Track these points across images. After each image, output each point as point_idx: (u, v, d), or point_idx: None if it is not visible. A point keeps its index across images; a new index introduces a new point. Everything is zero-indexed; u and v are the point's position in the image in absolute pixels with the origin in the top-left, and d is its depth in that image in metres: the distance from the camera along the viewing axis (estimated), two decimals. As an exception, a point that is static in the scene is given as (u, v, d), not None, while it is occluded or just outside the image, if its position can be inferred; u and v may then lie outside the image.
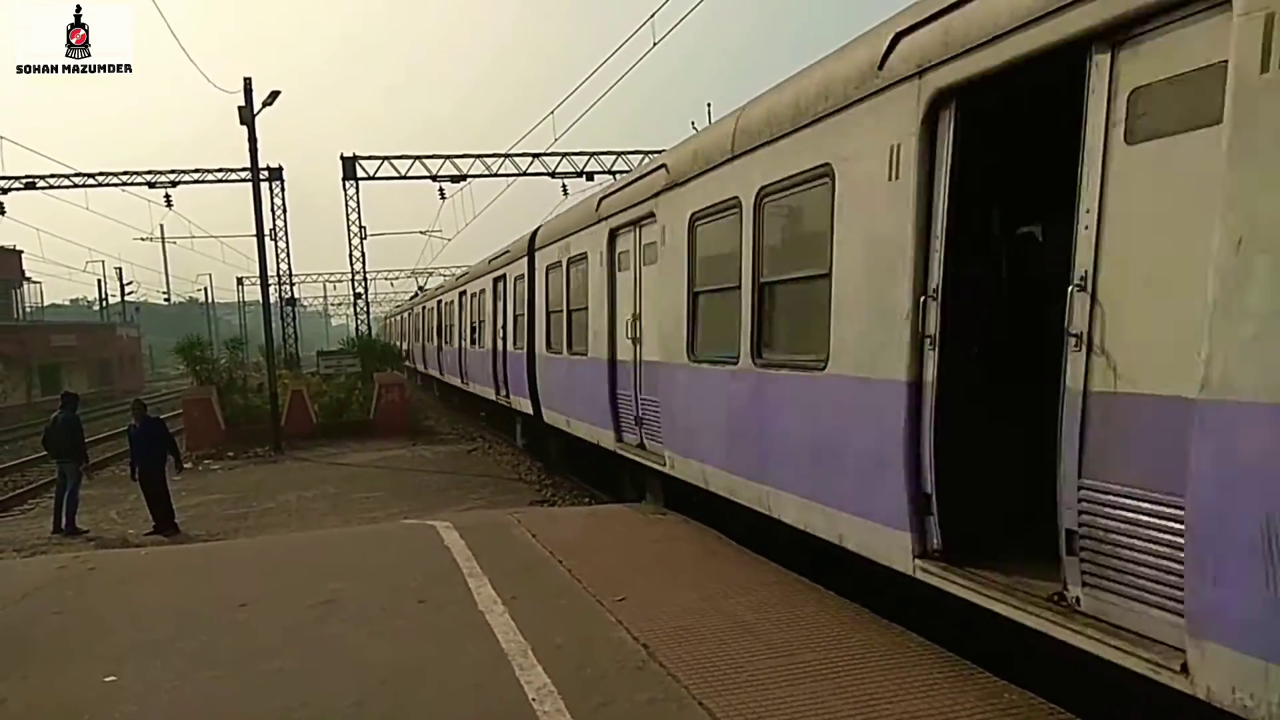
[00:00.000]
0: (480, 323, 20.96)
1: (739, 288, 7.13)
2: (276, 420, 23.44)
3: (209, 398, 24.26)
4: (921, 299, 4.92)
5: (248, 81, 22.53)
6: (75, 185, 36.12)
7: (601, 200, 11.26)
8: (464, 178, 36.64)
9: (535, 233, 14.92)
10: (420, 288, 60.13)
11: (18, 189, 35.13)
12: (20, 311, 55.54)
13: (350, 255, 39.41)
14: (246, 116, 22.60)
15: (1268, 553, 3.07)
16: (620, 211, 10.27)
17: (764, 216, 6.83)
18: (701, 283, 8.10)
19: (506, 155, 36.17)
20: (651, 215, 9.18)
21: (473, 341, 22.49)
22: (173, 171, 36.77)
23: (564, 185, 35.92)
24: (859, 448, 5.56)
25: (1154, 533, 3.64)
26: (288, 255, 39.92)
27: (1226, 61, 3.25)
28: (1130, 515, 3.74)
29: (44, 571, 8.26)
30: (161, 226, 65.70)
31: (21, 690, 5.17)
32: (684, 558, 7.32)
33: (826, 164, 5.84)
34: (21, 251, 54.40)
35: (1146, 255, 3.66)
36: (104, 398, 50.04)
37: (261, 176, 24.85)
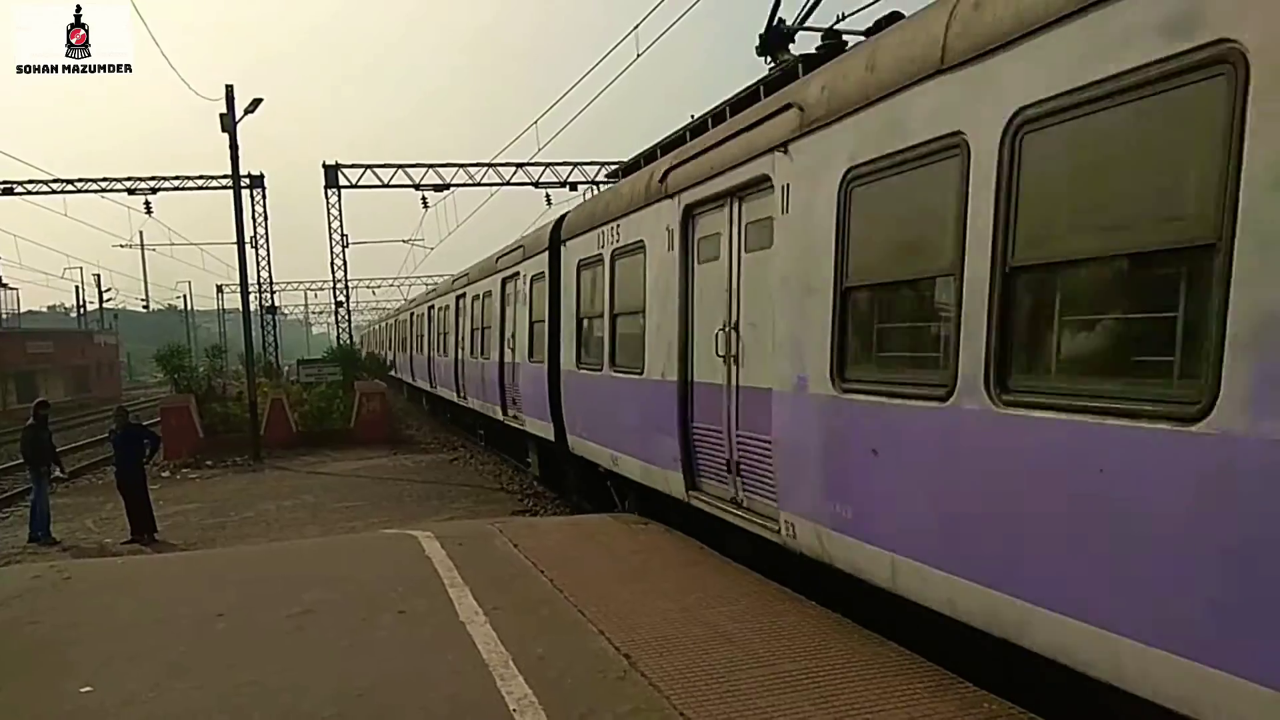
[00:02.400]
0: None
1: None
2: (256, 429, 23.25)
3: (187, 405, 24.08)
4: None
5: (229, 89, 22.40)
6: (54, 191, 35.78)
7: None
8: (447, 186, 36.59)
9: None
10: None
11: (-5, 194, 34.82)
12: (-4, 318, 54.99)
13: (332, 263, 39.24)
14: (228, 124, 22.49)
15: None
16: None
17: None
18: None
19: (490, 164, 36.16)
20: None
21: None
22: (153, 178, 36.46)
23: (548, 195, 36.00)
24: None
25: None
26: (269, 263, 39.68)
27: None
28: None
29: (19, 581, 8.15)
30: (141, 233, 64.98)
31: (-5, 702, 5.12)
32: (665, 567, 7.32)
33: None
34: (-2, 258, 53.96)
35: None
36: (81, 405, 49.46)
37: (243, 184, 24.72)
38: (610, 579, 6.99)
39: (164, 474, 20.37)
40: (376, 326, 58.43)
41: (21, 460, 15.96)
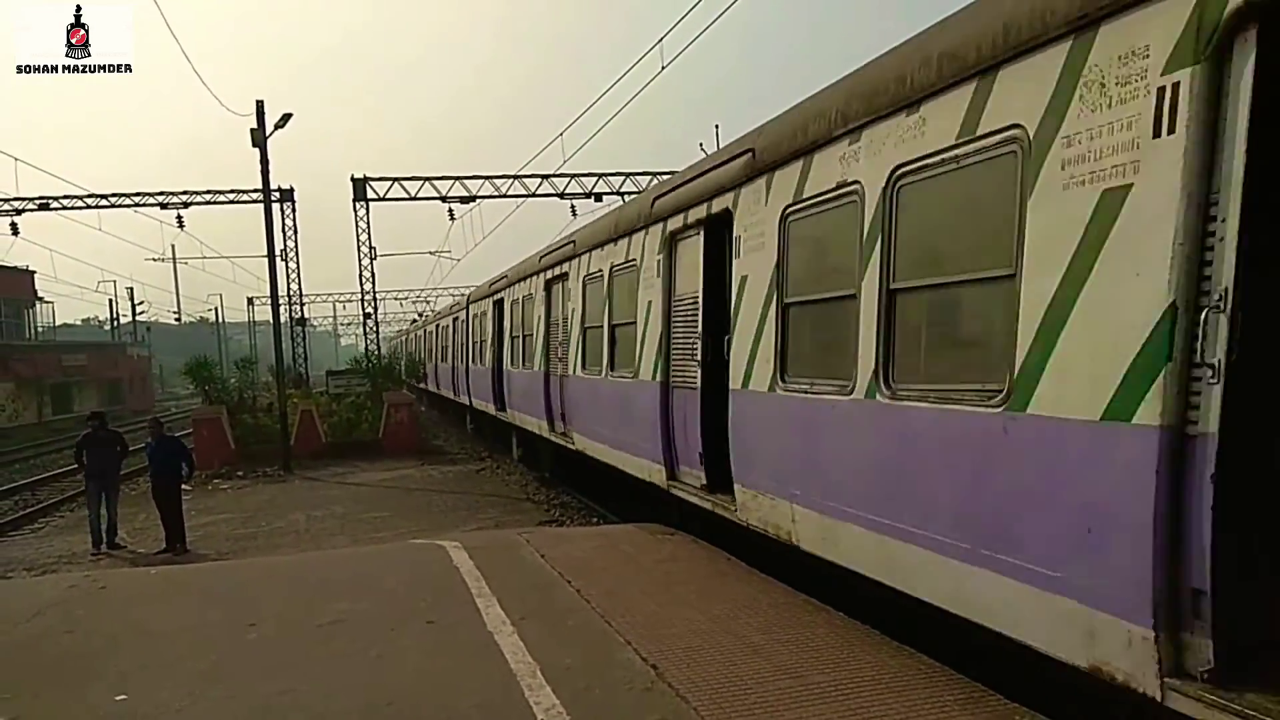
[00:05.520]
0: None
1: None
2: (286, 440, 23.51)
3: (219, 417, 24.40)
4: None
5: (260, 104, 22.72)
6: (88, 206, 36.41)
7: None
8: (473, 199, 36.83)
9: None
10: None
11: (31, 209, 35.46)
12: (32, 331, 55.95)
13: (360, 275, 39.61)
14: (259, 139, 22.79)
15: None
16: None
17: None
18: None
19: (515, 176, 36.39)
20: None
21: None
22: (185, 192, 37.02)
23: (573, 206, 36.14)
24: None
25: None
26: (298, 275, 40.14)
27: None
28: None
29: (55, 590, 8.29)
30: (173, 247, 65.98)
31: (34, 709, 5.19)
32: (692, 578, 7.30)
33: None
34: (34, 272, 54.92)
35: None
36: (114, 417, 50.10)
37: (273, 198, 25.03)
38: (637, 589, 6.98)
39: (190, 486, 20.60)
40: (407, 336, 56.87)
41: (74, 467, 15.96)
